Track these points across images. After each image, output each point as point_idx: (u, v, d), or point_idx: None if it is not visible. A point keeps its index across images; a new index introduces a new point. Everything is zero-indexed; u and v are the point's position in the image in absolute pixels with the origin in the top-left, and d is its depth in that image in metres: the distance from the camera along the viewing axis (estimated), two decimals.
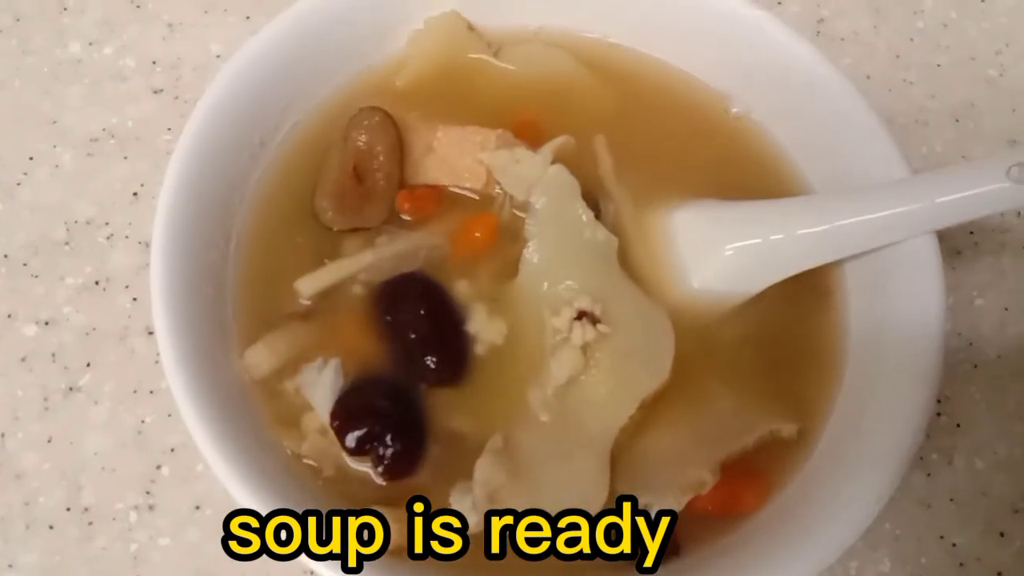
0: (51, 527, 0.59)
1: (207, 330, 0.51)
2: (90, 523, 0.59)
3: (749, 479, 0.52)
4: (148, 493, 0.60)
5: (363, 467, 0.51)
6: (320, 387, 0.51)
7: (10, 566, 0.58)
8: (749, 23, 0.61)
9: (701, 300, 0.57)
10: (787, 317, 0.58)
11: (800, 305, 0.58)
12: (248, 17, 0.77)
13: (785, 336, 0.57)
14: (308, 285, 0.54)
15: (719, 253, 0.57)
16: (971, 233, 0.74)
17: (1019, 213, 0.75)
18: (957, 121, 0.79)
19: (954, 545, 0.63)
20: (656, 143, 0.62)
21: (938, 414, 0.67)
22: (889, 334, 0.54)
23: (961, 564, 0.63)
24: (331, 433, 0.50)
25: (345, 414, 0.50)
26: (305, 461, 0.51)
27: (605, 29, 0.65)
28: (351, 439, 0.49)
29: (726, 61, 0.63)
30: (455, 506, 0.48)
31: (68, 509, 0.59)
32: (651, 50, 0.65)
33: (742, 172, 0.62)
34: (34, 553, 0.58)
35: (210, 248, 0.53)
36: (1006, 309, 0.71)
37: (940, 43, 0.83)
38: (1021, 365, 0.69)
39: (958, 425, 0.67)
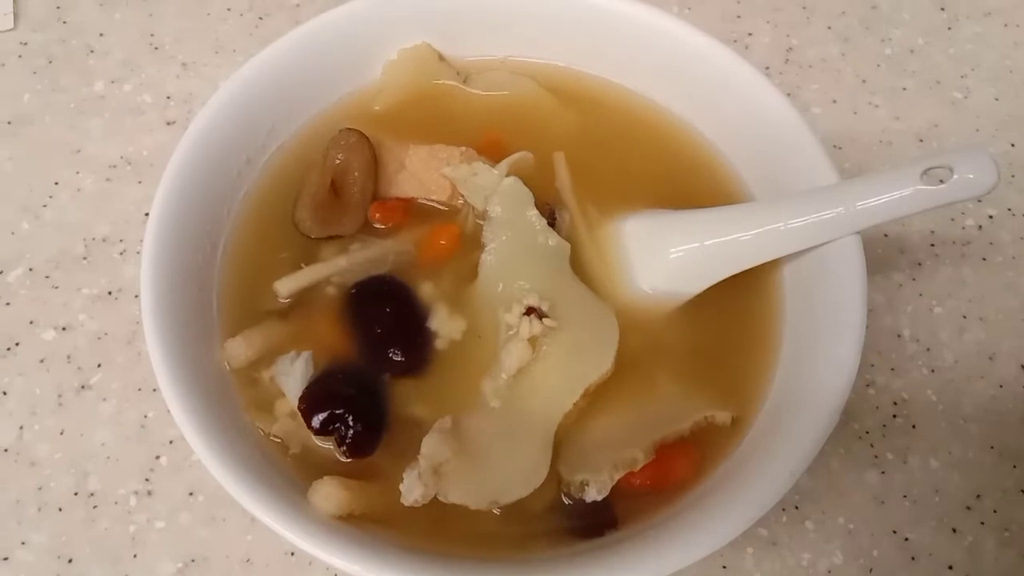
0: (60, 510, 0.65)
1: (192, 325, 0.57)
2: (95, 507, 0.65)
3: (682, 456, 0.55)
4: (147, 480, 0.66)
5: (327, 446, 0.56)
6: (292, 376, 0.56)
7: (23, 544, 0.63)
8: (700, 51, 0.66)
9: (648, 300, 0.61)
10: (727, 314, 0.61)
11: (740, 303, 0.62)
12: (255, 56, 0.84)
13: (724, 333, 0.61)
14: (285, 286, 0.60)
15: (664, 257, 0.61)
16: (932, 245, 0.78)
17: (980, 226, 0.79)
18: (921, 141, 0.83)
19: (906, 540, 0.66)
20: (611, 159, 0.67)
21: (894, 416, 0.70)
22: (817, 331, 0.58)
23: (913, 558, 0.65)
24: (300, 416, 0.55)
25: (312, 398, 0.55)
26: (274, 439, 0.56)
27: (566, 58, 0.71)
28: (316, 420, 0.54)
29: (679, 85, 0.68)
30: (406, 479, 0.52)
31: (76, 494, 0.65)
32: (608, 75, 0.70)
33: (689, 185, 0.66)
34: (44, 533, 0.64)
35: (197, 253, 0.59)
36: (964, 317, 0.74)
37: (906, 68, 0.87)
38: (977, 370, 0.72)
39: (914, 426, 0.70)
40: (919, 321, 0.74)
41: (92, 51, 0.84)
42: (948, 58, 0.88)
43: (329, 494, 0.51)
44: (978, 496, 0.67)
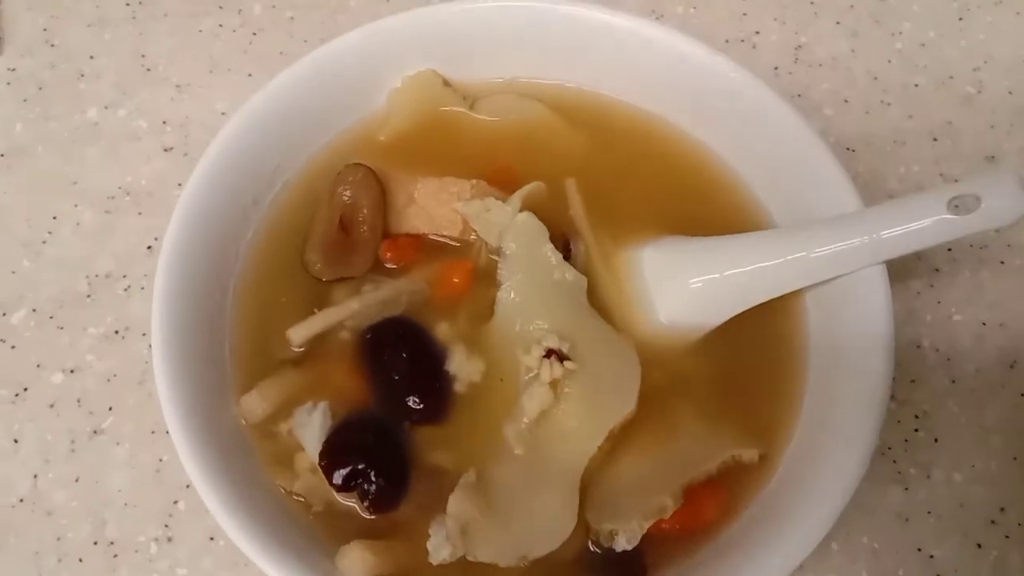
0: (80, 560, 0.64)
1: (205, 379, 0.56)
2: (115, 556, 0.64)
3: (710, 498, 0.55)
4: (166, 526, 0.65)
5: (350, 502, 0.55)
6: (310, 429, 0.55)
7: None
8: (711, 68, 0.64)
9: (667, 333, 0.60)
10: (749, 346, 0.60)
11: (762, 332, 0.61)
12: (250, 75, 0.82)
13: (747, 365, 0.60)
14: (299, 333, 0.59)
15: (683, 287, 0.60)
16: (949, 250, 0.76)
17: (996, 229, 0.77)
18: (935, 140, 0.81)
19: (931, 557, 0.65)
20: (626, 183, 0.66)
21: (916, 430, 0.69)
22: (843, 361, 0.57)
23: (938, 575, 0.65)
24: (320, 471, 0.54)
25: (332, 453, 0.54)
26: (296, 498, 0.56)
27: (574, 77, 0.69)
28: (337, 476, 0.53)
29: (692, 104, 0.66)
30: (432, 537, 0.51)
31: (95, 543, 0.64)
32: (618, 95, 0.69)
33: (706, 208, 0.65)
34: None
35: (207, 302, 0.58)
36: (984, 324, 0.73)
37: (918, 63, 0.85)
38: (999, 378, 0.71)
39: (936, 440, 0.69)
40: (938, 330, 0.73)
41: (83, 75, 0.82)
42: (960, 51, 0.86)
43: (356, 560, 0.51)
44: (1002, 509, 0.67)
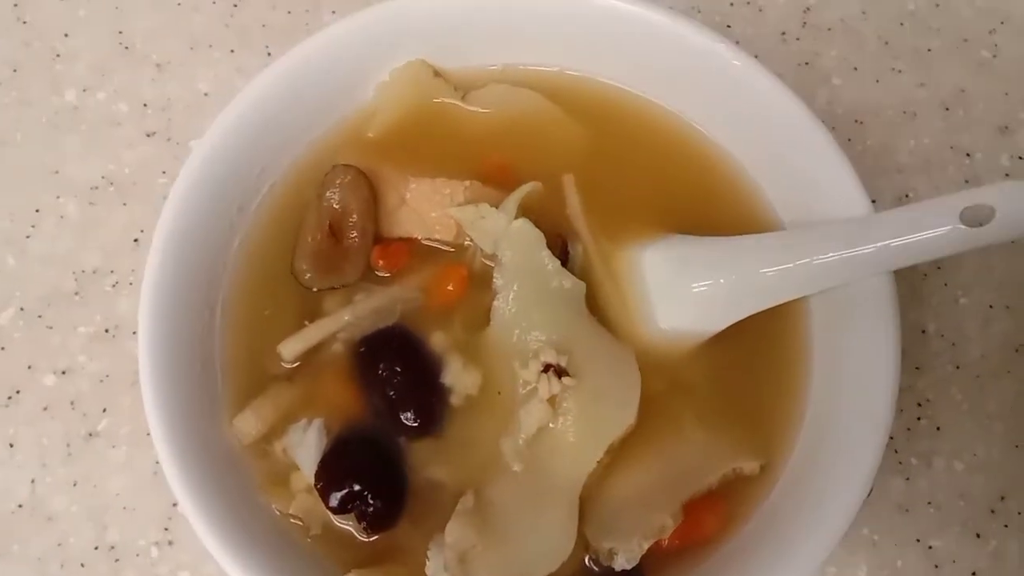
0: (82, 565, 0.64)
1: (196, 401, 0.54)
2: (117, 560, 0.64)
3: (709, 512, 0.55)
4: (166, 530, 0.65)
5: (347, 525, 0.55)
6: (305, 448, 0.55)
7: None
8: (713, 54, 0.60)
9: (667, 339, 0.59)
10: (750, 353, 0.59)
11: (764, 337, 0.59)
12: (232, 51, 0.78)
13: (748, 372, 0.59)
14: (290, 349, 0.57)
15: (685, 292, 0.58)
16: None
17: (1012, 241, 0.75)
18: (947, 110, 0.78)
19: (930, 548, 0.66)
20: (626, 177, 0.63)
21: (918, 418, 0.69)
22: (847, 368, 0.56)
23: (936, 566, 0.65)
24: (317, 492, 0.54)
25: (327, 476, 0.53)
26: (294, 520, 0.55)
27: (571, 63, 0.65)
28: (334, 499, 0.53)
29: (695, 93, 0.63)
30: (430, 562, 0.51)
31: (96, 548, 0.65)
32: (618, 81, 0.65)
33: (709, 203, 0.62)
34: None
35: (196, 321, 0.56)
36: (990, 307, 0.72)
37: (931, 25, 0.81)
38: (1003, 364, 0.70)
39: (938, 428, 0.68)
40: (944, 314, 0.72)
41: (58, 55, 0.78)
42: (976, 11, 0.82)
43: None
44: (1002, 498, 0.67)
